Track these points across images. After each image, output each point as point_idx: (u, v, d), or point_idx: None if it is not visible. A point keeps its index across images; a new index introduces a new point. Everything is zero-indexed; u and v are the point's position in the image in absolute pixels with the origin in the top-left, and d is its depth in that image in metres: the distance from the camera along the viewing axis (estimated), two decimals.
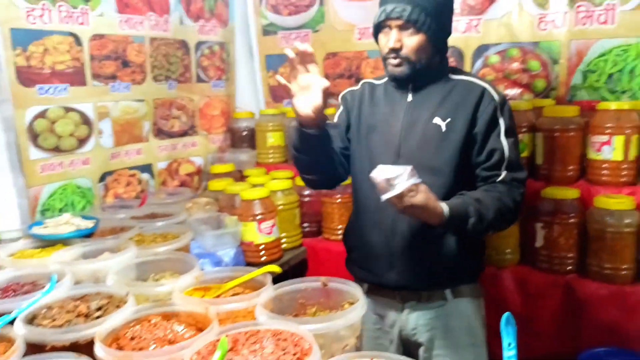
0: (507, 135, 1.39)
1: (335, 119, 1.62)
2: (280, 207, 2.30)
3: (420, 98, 1.45)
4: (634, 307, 1.84)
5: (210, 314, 1.14)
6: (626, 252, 1.89)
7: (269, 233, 2.15)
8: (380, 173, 1.17)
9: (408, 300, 1.48)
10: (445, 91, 1.44)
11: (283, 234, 2.31)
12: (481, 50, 2.45)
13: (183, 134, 2.72)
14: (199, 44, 2.78)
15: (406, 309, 1.49)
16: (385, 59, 1.43)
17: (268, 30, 3.04)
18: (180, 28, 2.63)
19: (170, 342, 1.09)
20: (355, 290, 1.25)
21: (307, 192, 2.54)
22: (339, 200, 2.45)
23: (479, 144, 1.39)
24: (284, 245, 2.30)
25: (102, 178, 2.31)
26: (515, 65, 2.42)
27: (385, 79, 1.55)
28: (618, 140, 1.97)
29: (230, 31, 3.00)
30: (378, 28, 1.43)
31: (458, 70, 1.53)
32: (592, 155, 2.04)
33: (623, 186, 2.00)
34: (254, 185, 2.36)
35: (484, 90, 1.42)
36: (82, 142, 2.21)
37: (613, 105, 2.02)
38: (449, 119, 1.40)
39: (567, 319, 1.93)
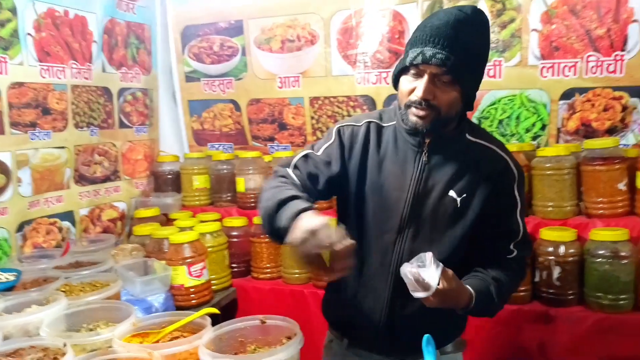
0: (521, 213, 1.29)
1: (322, 152, 1.32)
2: (210, 249, 2.35)
3: (437, 162, 1.26)
4: (531, 323, 2.10)
5: (155, 358, 1.18)
6: None
7: (199, 276, 2.19)
8: (409, 271, 1.09)
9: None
10: (465, 158, 1.27)
11: (213, 276, 2.35)
12: (391, 99, 2.71)
13: (105, 179, 2.69)
14: (121, 91, 2.80)
15: None
16: (407, 106, 1.21)
17: (191, 77, 3.13)
18: (102, 75, 2.65)
19: None
20: (292, 325, 1.35)
21: (235, 233, 2.61)
22: (268, 239, 2.55)
23: (494, 223, 1.27)
24: (214, 287, 2.34)
25: (20, 228, 2.23)
26: None
27: (394, 122, 1.32)
28: None
29: (154, 78, 3.05)
30: (404, 69, 1.22)
31: (475, 128, 1.34)
32: None
33: None
34: (182, 229, 2.40)
35: (506, 165, 1.28)
36: None
37: None
38: (464, 195, 1.24)
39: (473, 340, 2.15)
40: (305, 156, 1.33)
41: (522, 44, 2.48)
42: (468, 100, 1.24)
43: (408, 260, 1.12)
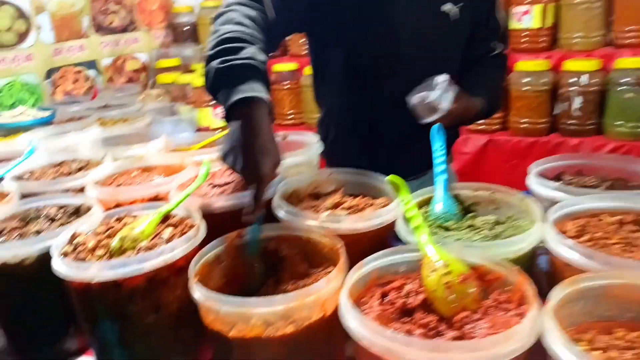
0: (498, 7, 1.26)
1: None
2: None
3: None
4: (550, 153, 2.14)
5: (186, 162, 1.28)
6: (543, 108, 2.16)
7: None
8: (419, 97, 1.09)
9: None
10: None
11: None
12: None
13: (123, 29, 2.68)
14: None
15: None
16: None
17: None
18: None
19: None
20: (312, 138, 1.43)
21: None
22: (288, 86, 2.57)
23: (483, 24, 1.24)
24: None
25: (48, 75, 2.30)
26: None
27: None
28: (537, 9, 2.18)
29: None
30: None
31: None
32: (514, 25, 2.25)
33: (541, 51, 2.24)
34: None
35: None
36: (22, 37, 2.16)
37: None
38: (461, 4, 1.15)
39: (495, 167, 2.23)
40: None
41: None
42: None
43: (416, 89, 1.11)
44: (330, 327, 0.73)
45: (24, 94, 2.18)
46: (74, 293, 0.83)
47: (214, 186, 1.09)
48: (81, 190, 1.16)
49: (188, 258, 0.81)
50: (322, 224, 0.87)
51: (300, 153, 1.30)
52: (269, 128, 0.86)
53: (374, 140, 1.30)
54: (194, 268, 0.78)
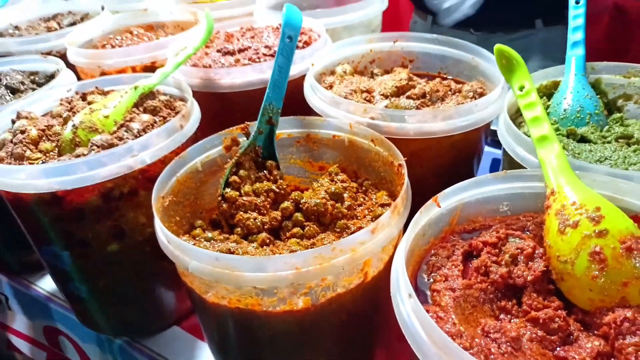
0: None
1: None
2: None
3: None
4: None
5: (200, 17, 0.94)
6: None
7: None
8: None
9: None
10: None
11: None
12: None
13: None
14: None
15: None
16: None
17: None
18: None
19: None
20: None
21: None
22: None
23: None
24: None
25: None
26: None
27: None
28: None
29: None
30: None
31: None
32: None
33: None
34: None
35: None
36: None
37: None
38: None
39: None
40: None
41: None
42: None
43: None
44: (372, 302, 0.44)
45: None
46: (8, 204, 0.57)
47: (225, 53, 0.76)
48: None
49: (167, 163, 0.53)
50: (374, 120, 0.54)
51: (352, 8, 0.92)
52: None
53: None
54: (161, 186, 0.50)
